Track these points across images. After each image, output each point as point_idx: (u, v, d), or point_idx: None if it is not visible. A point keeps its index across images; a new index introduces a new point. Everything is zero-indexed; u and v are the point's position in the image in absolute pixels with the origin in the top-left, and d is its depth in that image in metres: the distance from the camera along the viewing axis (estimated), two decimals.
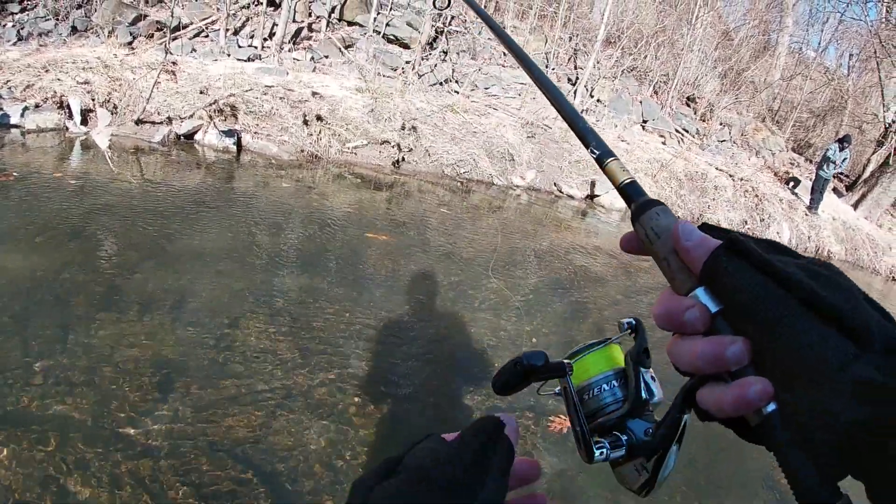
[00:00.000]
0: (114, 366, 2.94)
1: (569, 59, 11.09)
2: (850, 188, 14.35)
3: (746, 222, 10.76)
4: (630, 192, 0.47)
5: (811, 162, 14.80)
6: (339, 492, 2.46)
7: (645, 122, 11.11)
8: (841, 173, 14.85)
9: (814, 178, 11.55)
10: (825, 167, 10.95)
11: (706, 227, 0.40)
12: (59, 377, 2.80)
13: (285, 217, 5.59)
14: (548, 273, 5.69)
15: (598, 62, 10.61)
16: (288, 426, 2.77)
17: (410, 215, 6.52)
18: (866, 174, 13.77)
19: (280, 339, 3.45)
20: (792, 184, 12.59)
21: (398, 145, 7.99)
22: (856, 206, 13.14)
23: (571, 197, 9.04)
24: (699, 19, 13.08)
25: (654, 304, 0.41)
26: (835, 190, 13.83)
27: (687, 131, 11.81)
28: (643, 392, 0.52)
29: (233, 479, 2.43)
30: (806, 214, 11.32)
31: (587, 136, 0.54)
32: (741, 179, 11.21)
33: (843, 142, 11.03)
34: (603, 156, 0.52)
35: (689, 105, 12.66)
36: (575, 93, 10.25)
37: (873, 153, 14.00)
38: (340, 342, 3.55)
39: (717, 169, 11.22)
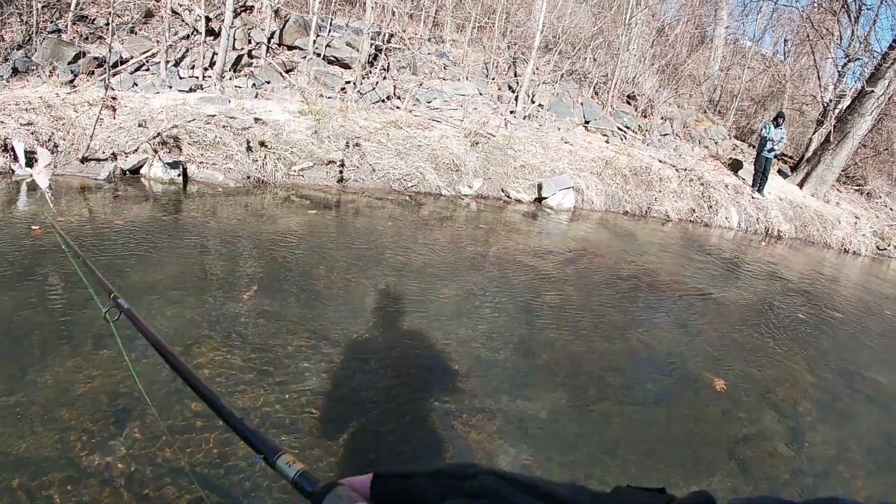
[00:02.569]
0: (71, 400, 3.02)
1: (508, 68, 11.40)
2: (794, 168, 14.94)
3: (694, 210, 11.18)
4: (303, 483, 0.52)
5: (754, 147, 15.39)
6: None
7: (587, 122, 11.48)
8: (784, 155, 15.50)
9: (755, 159, 12.01)
10: (765, 148, 11.41)
11: (378, 479, 0.49)
12: (18, 416, 2.87)
13: (235, 243, 5.70)
14: (501, 276, 5.89)
15: (536, 68, 10.95)
16: (245, 446, 2.89)
17: (360, 231, 6.68)
18: (809, 153, 14.35)
19: (234, 361, 3.54)
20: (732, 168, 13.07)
21: (342, 163, 8.16)
22: (801, 184, 13.68)
23: (520, 201, 9.29)
24: (633, 19, 13.54)
25: None
26: (780, 172, 14.42)
27: (629, 128, 12.23)
28: None
29: (189, 500, 2.53)
30: (752, 197, 11.77)
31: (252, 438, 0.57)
32: (685, 170, 11.63)
33: (778, 118, 11.49)
34: (269, 455, 0.56)
35: (629, 103, 13.09)
36: (516, 99, 10.56)
37: (814, 132, 14.62)
38: (296, 361, 3.64)
39: (660, 161, 11.62)
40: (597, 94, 12.25)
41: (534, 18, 11.52)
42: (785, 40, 20.84)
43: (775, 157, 12.17)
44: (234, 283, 4.71)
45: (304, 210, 7.24)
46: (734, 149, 15.62)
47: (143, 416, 2.97)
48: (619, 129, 11.86)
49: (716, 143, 15.38)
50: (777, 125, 11.48)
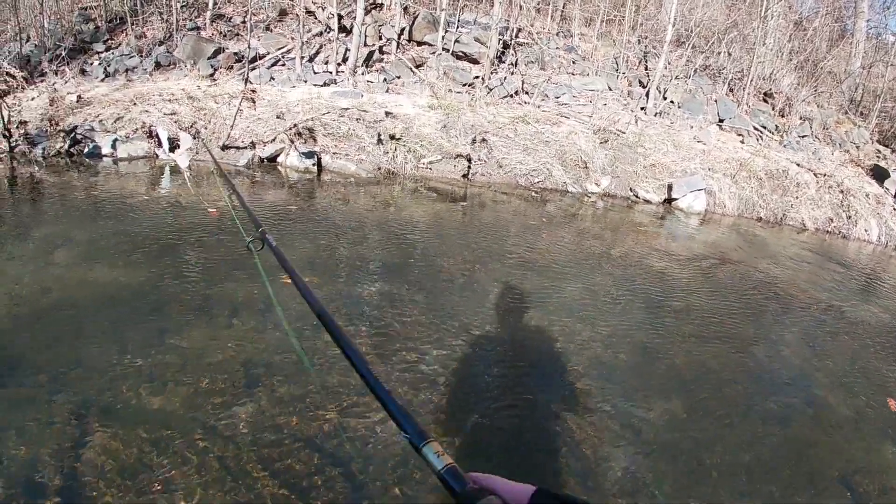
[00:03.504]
0: (204, 365, 3.16)
1: (639, 63, 10.88)
2: None
3: (832, 220, 10.18)
4: (450, 481, 0.46)
5: None
6: (410, 484, 2.53)
7: (721, 121, 10.74)
8: None
9: None
10: None
11: (540, 496, 0.42)
12: (153, 374, 3.04)
13: (364, 230, 5.81)
14: (626, 277, 5.58)
15: (668, 63, 10.37)
16: (363, 422, 2.87)
17: (486, 225, 6.59)
18: None
19: (359, 341, 3.61)
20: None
21: (469, 157, 8.07)
22: None
23: (648, 202, 8.84)
24: (769, 11, 12.57)
25: None
26: None
27: (765, 128, 11.33)
28: None
29: (310, 466, 2.56)
30: (895, 209, 10.59)
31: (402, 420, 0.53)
32: (824, 175, 10.63)
33: None
34: (414, 439, 0.51)
35: (766, 101, 12.14)
36: (647, 95, 10.04)
37: None
38: (417, 345, 3.66)
39: (797, 165, 10.69)
40: (731, 90, 11.45)
41: (665, 11, 10.94)
42: None
43: None
44: (361, 266, 4.81)
45: (431, 201, 7.22)
46: (877, 154, 14.13)
47: (271, 384, 3.05)
48: (755, 128, 11.02)
49: (857, 147, 13.95)
50: None
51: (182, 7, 10.99)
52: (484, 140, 8.19)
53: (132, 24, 10.76)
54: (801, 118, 12.52)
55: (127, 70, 9.78)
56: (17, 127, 7.53)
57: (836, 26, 17.28)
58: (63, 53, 9.89)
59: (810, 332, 5.05)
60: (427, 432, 0.50)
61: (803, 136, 12.13)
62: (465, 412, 3.09)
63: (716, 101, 10.92)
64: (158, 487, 2.36)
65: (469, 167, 8.04)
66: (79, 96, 8.48)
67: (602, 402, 3.34)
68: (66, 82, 9.21)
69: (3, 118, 7.34)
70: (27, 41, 10.64)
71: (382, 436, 2.76)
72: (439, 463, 0.47)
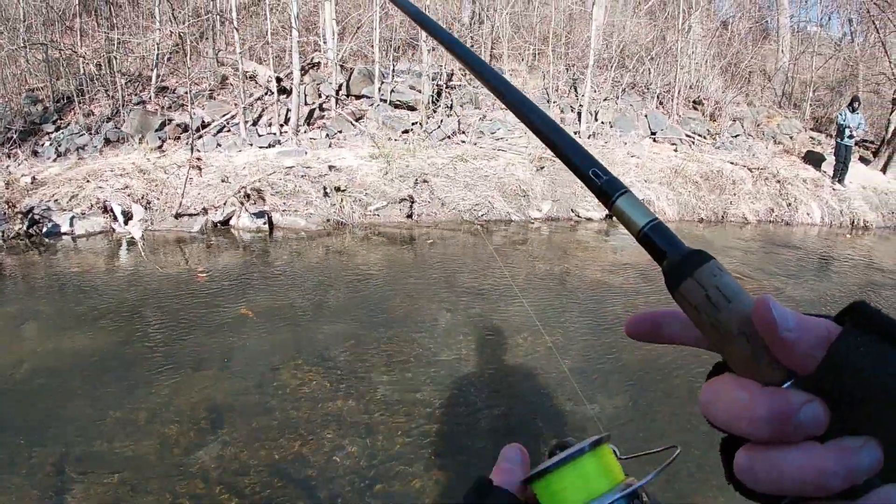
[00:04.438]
0: (172, 412, 3.50)
1: (569, 90, 11.47)
2: (875, 154, 14.00)
3: (773, 210, 10.69)
4: (657, 241, 0.33)
5: (833, 137, 14.57)
6: (369, 497, 2.86)
7: (654, 133, 11.33)
8: (864, 140, 14.55)
9: (834, 149, 11.40)
10: (843, 135, 10.82)
11: (861, 312, 0.28)
12: (125, 425, 3.37)
13: (319, 279, 6.18)
14: (573, 293, 5.98)
15: (595, 86, 10.96)
16: (322, 446, 3.22)
17: (435, 261, 6.99)
18: (889, 134, 13.41)
19: (315, 377, 3.96)
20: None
21: (413, 200, 8.46)
22: (884, 169, 12.74)
23: (590, 219, 9.27)
24: (687, 23, 13.29)
25: (741, 401, 0.28)
26: (861, 159, 13.54)
27: (697, 134, 11.95)
28: None
29: (274, 490, 2.87)
30: (833, 189, 11.15)
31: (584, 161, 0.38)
32: (759, 169, 11.18)
33: (853, 103, 10.88)
34: (607, 186, 0.37)
35: (696, 108, 12.80)
36: (579, 119, 10.60)
37: (892, 112, 13.69)
38: (369, 376, 4.02)
39: (731, 164, 11.24)
40: (661, 104, 12.08)
41: (588, 37, 11.57)
42: (850, 20, 19.75)
43: (856, 143, 11.44)
44: (317, 312, 5.19)
45: (381, 246, 7.61)
46: (811, 141, 14.85)
47: (234, 423, 3.40)
48: (688, 136, 11.62)
49: (791, 137, 14.66)
50: (853, 110, 10.84)
51: (127, 83, 11.32)
52: (426, 181, 8.61)
53: (79, 102, 11.03)
54: (732, 119, 13.18)
55: (78, 148, 10.01)
56: None
57: (757, 26, 18.22)
58: (14, 136, 10.08)
59: None
60: (619, 181, 0.36)
61: (736, 136, 12.76)
62: (416, 426, 3.42)
63: (646, 115, 11.52)
64: None
65: (413, 209, 8.43)
66: (33, 177, 8.71)
67: (566, 403, 3.69)
68: (19, 164, 9.42)
69: None
70: None
71: (343, 463, 3.08)
72: (642, 217, 0.33)
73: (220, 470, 3.01)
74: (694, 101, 12.96)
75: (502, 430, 3.47)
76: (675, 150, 11.28)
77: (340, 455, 3.15)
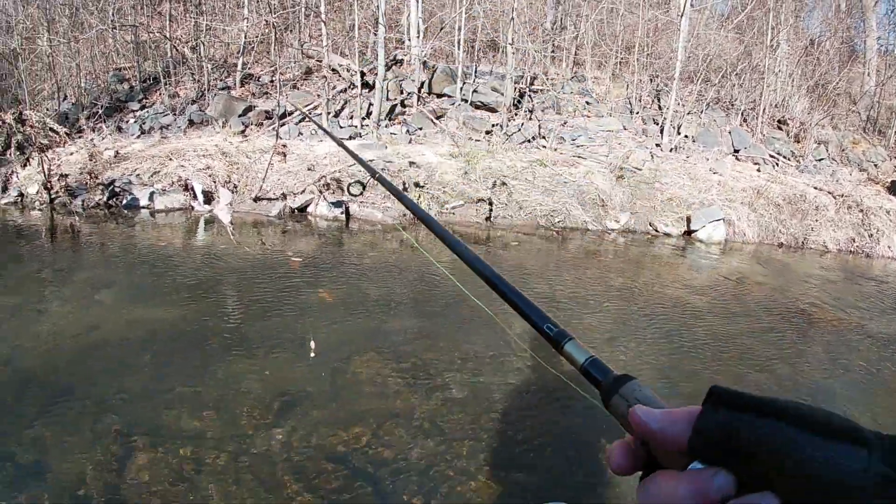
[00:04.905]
0: (241, 393, 3.48)
1: (652, 101, 11.21)
2: None
3: (854, 240, 10.20)
4: (593, 372, 0.45)
5: None
6: (435, 498, 2.76)
7: (737, 151, 10.96)
8: None
9: None
10: None
11: (718, 396, 0.36)
12: (193, 401, 3.35)
13: (393, 273, 6.19)
14: (647, 308, 5.78)
15: (680, 99, 10.68)
16: (391, 441, 3.14)
17: (509, 264, 6.90)
18: None
19: (387, 371, 3.90)
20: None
21: (490, 201, 8.40)
22: None
23: (668, 234, 9.02)
24: (776, 40, 12.83)
25: (669, 490, 0.35)
26: None
27: (781, 155, 11.50)
28: None
29: (340, 482, 2.81)
30: None
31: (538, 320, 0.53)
32: (842, 196, 10.69)
33: None
34: (558, 337, 0.50)
35: (780, 128, 12.34)
36: (661, 132, 10.34)
37: None
38: (442, 374, 3.93)
39: (815, 188, 10.78)
40: (745, 121, 11.69)
41: (674, 49, 11.29)
42: None
43: None
44: (389, 305, 5.16)
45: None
46: None
47: (304, 410, 3.35)
48: (771, 156, 11.20)
49: (875, 165, 13.97)
50: None
51: (213, 68, 11.67)
52: (504, 184, 8.54)
53: (165, 84, 11.45)
54: (816, 142, 12.65)
55: (161, 127, 10.39)
56: (58, 180, 8.08)
57: (844, 47, 17.44)
58: (100, 111, 10.52)
59: (833, 350, 5.16)
60: (565, 330, 0.50)
61: (820, 160, 12.24)
62: (484, 432, 3.34)
63: (730, 132, 11.16)
64: (196, 501, 2.63)
65: (491, 210, 8.37)
66: (116, 152, 9.06)
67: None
68: (103, 138, 9.82)
69: (44, 171, 7.92)
70: (65, 99, 11.35)
71: (410, 461, 3.00)
72: (581, 356, 0.46)
73: (286, 455, 2.96)
74: (779, 121, 12.49)
75: (571, 443, 3.37)
76: (758, 170, 10.88)
77: (409, 452, 3.07)
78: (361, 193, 1.88)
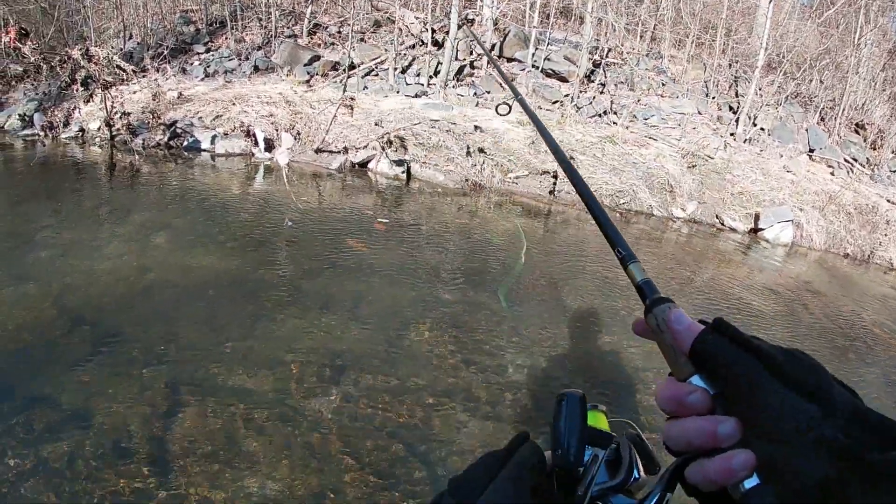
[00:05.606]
0: (294, 352, 3.35)
1: (729, 87, 10.72)
2: None
3: None
4: (646, 289, 0.52)
5: None
6: None
7: (812, 150, 10.45)
8: None
9: None
10: None
11: (719, 323, 0.43)
12: (244, 357, 3.23)
13: (450, 239, 6.01)
14: (706, 304, 5.57)
15: (759, 89, 10.17)
16: (446, 419, 3.01)
17: (568, 243, 6.69)
18: None
19: (445, 343, 3.76)
20: None
21: (556, 175, 8.14)
22: None
23: (734, 230, 8.68)
24: (863, 39, 12.14)
25: (659, 391, 0.44)
26: None
27: (856, 160, 10.94)
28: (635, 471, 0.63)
29: (391, 456, 2.69)
30: None
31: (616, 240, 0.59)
32: None
33: None
34: (626, 258, 0.57)
35: (857, 132, 11.73)
36: (737, 121, 9.88)
37: None
38: (500, 352, 3.78)
39: (889, 202, 10.27)
40: (822, 119, 11.13)
41: (756, 35, 10.74)
42: None
43: None
44: (447, 273, 4.99)
45: (515, 216, 7.35)
46: None
47: (358, 376, 3.22)
48: (846, 160, 10.66)
49: None
50: None
51: (280, 15, 11.51)
52: (572, 158, 8.25)
53: (232, 28, 11.34)
54: (893, 152, 12.03)
55: (226, 72, 10.29)
56: (120, 117, 8.05)
57: None
58: (165, 52, 10.46)
59: (890, 374, 4.92)
60: (634, 254, 0.56)
61: (895, 171, 11.65)
62: (539, 415, 3.23)
63: (806, 129, 10.63)
64: (243, 461, 2.53)
65: (555, 184, 8.12)
66: (180, 93, 9.01)
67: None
68: (167, 79, 9.76)
69: (106, 108, 7.90)
70: (130, 39, 11.34)
71: (464, 440, 2.88)
72: (639, 276, 0.53)
73: (337, 422, 2.83)
74: (857, 125, 11.87)
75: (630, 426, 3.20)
76: (832, 174, 10.38)
77: (463, 431, 2.94)
78: (508, 113, 1.80)
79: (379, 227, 5.88)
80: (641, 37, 10.70)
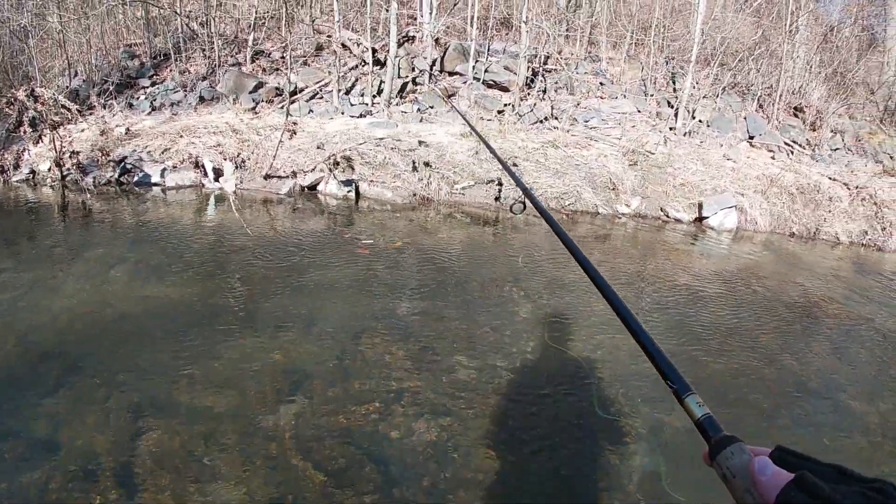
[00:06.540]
0: (251, 370, 3.52)
1: (667, 84, 11.03)
2: None
3: (867, 232, 10.05)
4: (707, 427, 0.52)
5: None
6: (440, 477, 2.80)
7: (751, 137, 10.79)
8: None
9: None
10: None
11: (780, 452, 0.47)
12: (204, 378, 3.39)
13: (400, 253, 6.16)
14: (655, 294, 5.74)
15: (696, 82, 10.50)
16: (400, 422, 3.17)
17: (517, 247, 6.88)
18: None
19: (395, 351, 3.93)
20: None
21: (500, 182, 8.32)
22: None
23: (679, 221, 8.92)
24: (795, 25, 12.58)
25: None
26: None
27: (796, 143, 11.32)
28: None
29: (348, 460, 2.84)
30: None
31: (668, 372, 0.59)
32: (857, 188, 10.52)
33: None
34: (680, 391, 0.56)
35: (796, 116, 12.13)
36: (676, 115, 10.19)
37: None
38: (449, 355, 3.95)
39: (830, 179, 10.63)
40: (761, 107, 11.50)
41: (691, 31, 11.08)
42: None
43: None
44: (399, 285, 5.16)
45: (464, 226, 7.52)
46: None
47: (313, 388, 3.38)
48: (786, 143, 11.02)
49: (892, 157, 13.74)
50: None
51: (223, 44, 11.57)
52: (515, 165, 8.45)
53: (176, 60, 11.37)
54: (832, 131, 12.43)
55: (172, 104, 10.32)
56: (70, 157, 8.06)
57: (865, 35, 17.08)
58: (110, 88, 10.45)
59: (840, 343, 5.12)
60: (689, 384, 0.56)
61: (835, 150, 12.04)
62: (489, 415, 3.35)
63: (745, 118, 10.98)
64: (208, 477, 2.67)
65: (500, 191, 8.29)
66: (127, 129, 9.03)
67: (624, 408, 3.54)
68: (114, 115, 9.77)
69: (56, 148, 7.91)
70: (75, 76, 11.29)
71: (417, 441, 3.02)
72: (699, 412, 0.52)
73: (295, 433, 2.98)
74: (795, 108, 12.27)
75: (577, 425, 3.37)
76: (773, 158, 10.72)
77: (415, 433, 3.09)
78: (523, 211, 1.90)
79: (362, 251, 6.00)
80: (579, 41, 10.97)
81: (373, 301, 4.73)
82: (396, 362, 3.78)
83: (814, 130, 12.09)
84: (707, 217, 8.92)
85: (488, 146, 2.19)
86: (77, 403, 3.10)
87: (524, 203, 1.84)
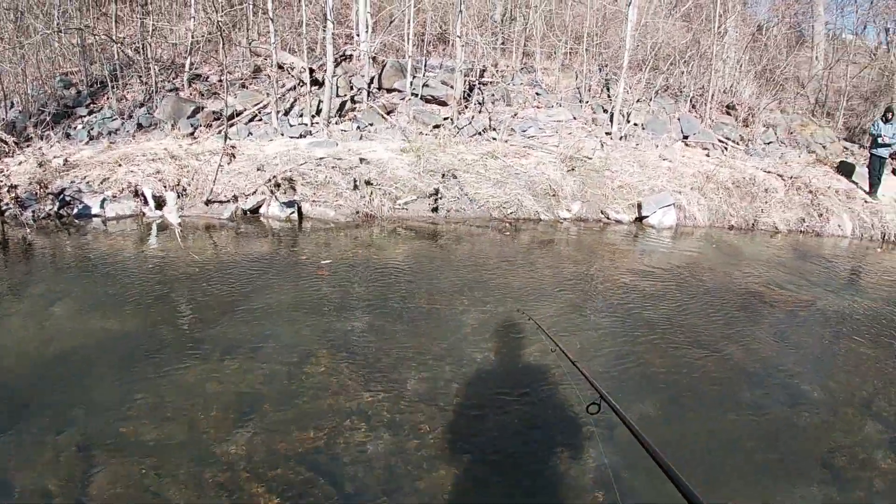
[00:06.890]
0: (200, 399, 3.50)
1: (601, 90, 11.33)
2: None
3: (804, 220, 10.46)
4: None
5: (866, 148, 14.23)
6: (396, 493, 2.83)
7: (686, 137, 11.17)
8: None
9: (868, 161, 11.11)
10: (875, 146, 10.55)
11: None
12: (152, 408, 3.38)
13: (346, 271, 6.17)
14: (600, 294, 5.87)
15: (629, 87, 10.82)
16: (352, 439, 3.19)
17: (463, 257, 6.94)
18: None
19: (344, 369, 3.94)
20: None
21: (442, 195, 8.42)
22: None
23: (620, 222, 9.15)
24: (723, 27, 13.08)
25: None
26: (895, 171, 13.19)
27: (730, 139, 11.75)
28: None
29: (303, 482, 2.85)
30: (865, 201, 10.86)
31: None
32: (791, 178, 10.97)
33: (887, 113, 10.57)
34: None
35: (729, 113, 12.60)
36: (611, 120, 10.48)
37: None
38: (398, 369, 3.98)
39: (764, 171, 11.04)
40: (694, 107, 11.91)
41: (622, 38, 11.44)
42: (886, 29, 19.31)
43: (890, 155, 11.12)
44: (347, 304, 5.17)
45: (408, 240, 7.57)
46: (844, 151, 14.56)
47: (263, 412, 3.40)
48: (720, 140, 11.44)
49: (824, 147, 14.38)
50: (887, 121, 10.49)
51: (160, 70, 11.42)
52: (455, 177, 8.56)
53: (112, 87, 11.16)
54: (765, 126, 12.95)
55: (110, 132, 10.11)
56: (8, 191, 7.82)
57: (792, 32, 17.86)
58: (47, 118, 10.18)
59: (783, 327, 5.31)
60: None
61: (768, 143, 12.54)
62: (440, 423, 3.39)
63: (679, 119, 11.36)
64: None
65: (437, 201, 8.39)
66: (65, 159, 8.81)
67: (578, 406, 3.57)
68: (51, 146, 9.51)
69: None
70: (12, 107, 10.97)
71: (369, 457, 3.05)
72: None
73: (247, 459, 2.99)
74: (727, 106, 12.75)
75: (525, 431, 3.42)
76: (707, 155, 11.10)
77: (367, 449, 3.11)
78: (598, 412, 1.89)
79: (321, 273, 5.97)
80: (514, 53, 11.21)
81: (320, 321, 4.74)
82: (346, 380, 3.79)
83: (746, 126, 12.58)
84: (647, 216, 9.17)
85: (547, 334, 2.23)
86: (26, 444, 3.03)
87: (599, 404, 1.89)
